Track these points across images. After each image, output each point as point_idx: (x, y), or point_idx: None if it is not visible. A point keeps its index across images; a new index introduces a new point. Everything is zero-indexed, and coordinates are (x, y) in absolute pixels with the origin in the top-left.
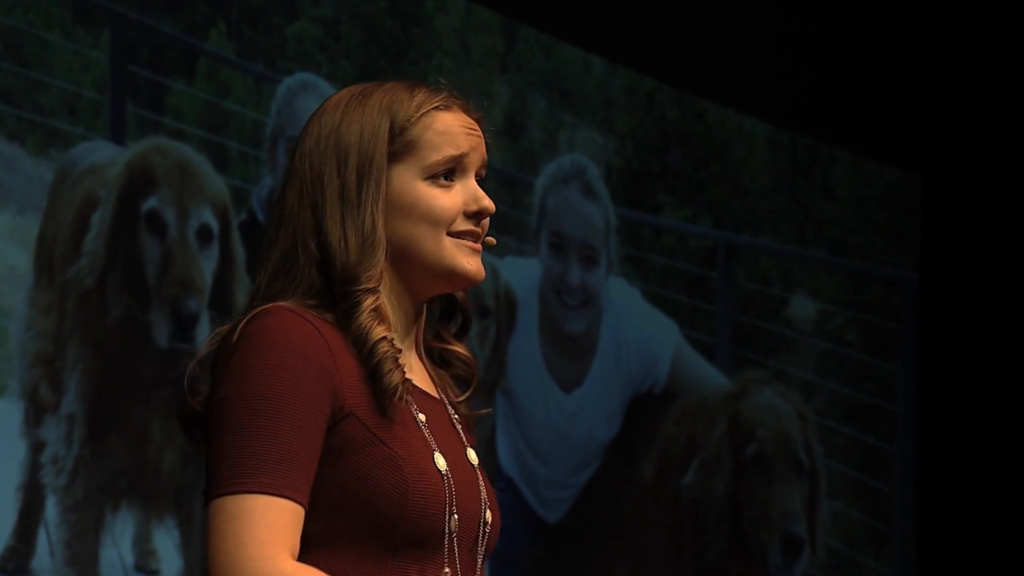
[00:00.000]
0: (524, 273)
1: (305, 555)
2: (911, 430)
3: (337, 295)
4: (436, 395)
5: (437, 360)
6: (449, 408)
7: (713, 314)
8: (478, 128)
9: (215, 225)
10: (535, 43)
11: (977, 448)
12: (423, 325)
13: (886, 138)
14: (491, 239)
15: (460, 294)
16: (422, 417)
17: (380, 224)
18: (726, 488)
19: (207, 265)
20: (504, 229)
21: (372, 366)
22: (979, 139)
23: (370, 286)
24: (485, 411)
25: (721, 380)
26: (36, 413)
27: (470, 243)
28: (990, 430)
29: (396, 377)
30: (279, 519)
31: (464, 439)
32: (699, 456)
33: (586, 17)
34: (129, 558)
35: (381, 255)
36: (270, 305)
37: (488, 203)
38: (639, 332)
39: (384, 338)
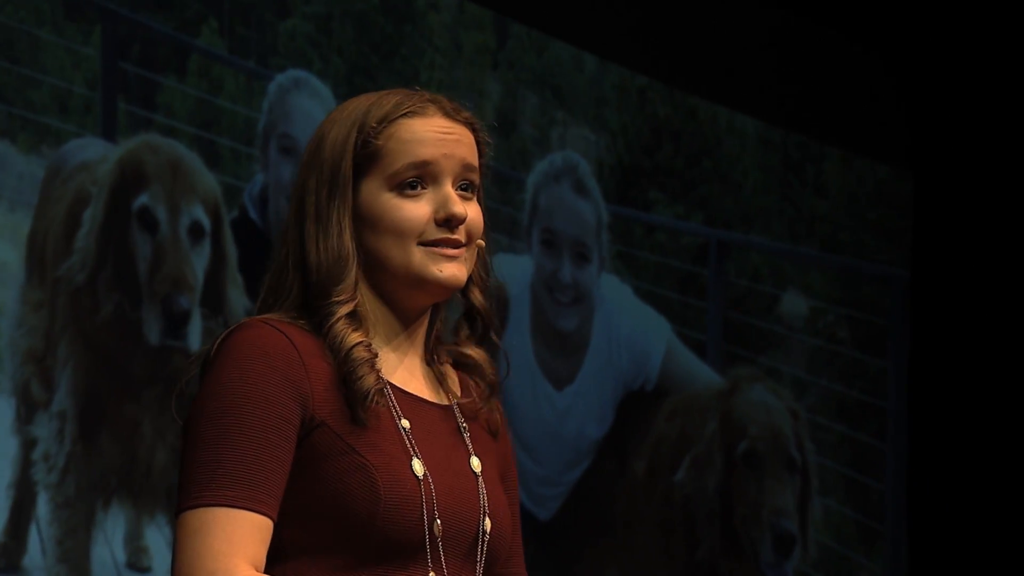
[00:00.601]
0: (516, 270)
1: (281, 564)
2: (902, 427)
3: (314, 310)
4: (441, 401)
5: (460, 366)
6: (459, 415)
7: (705, 311)
8: (457, 131)
9: (207, 222)
10: (527, 40)
11: (968, 445)
12: (437, 331)
13: (877, 135)
14: (481, 242)
15: (479, 299)
16: (406, 423)
17: (348, 238)
18: (718, 485)
19: (199, 262)
20: (496, 226)
21: (345, 371)
22: (970, 136)
23: (340, 299)
24: (491, 407)
25: (713, 377)
26: (27, 410)
27: (443, 250)
28: (981, 427)
29: (368, 382)
30: (239, 531)
31: (470, 447)
32: (691, 453)
33: (578, 14)
34: (121, 555)
35: (351, 269)
36: (246, 319)
37: (457, 209)
38: (631, 329)
39: (359, 343)
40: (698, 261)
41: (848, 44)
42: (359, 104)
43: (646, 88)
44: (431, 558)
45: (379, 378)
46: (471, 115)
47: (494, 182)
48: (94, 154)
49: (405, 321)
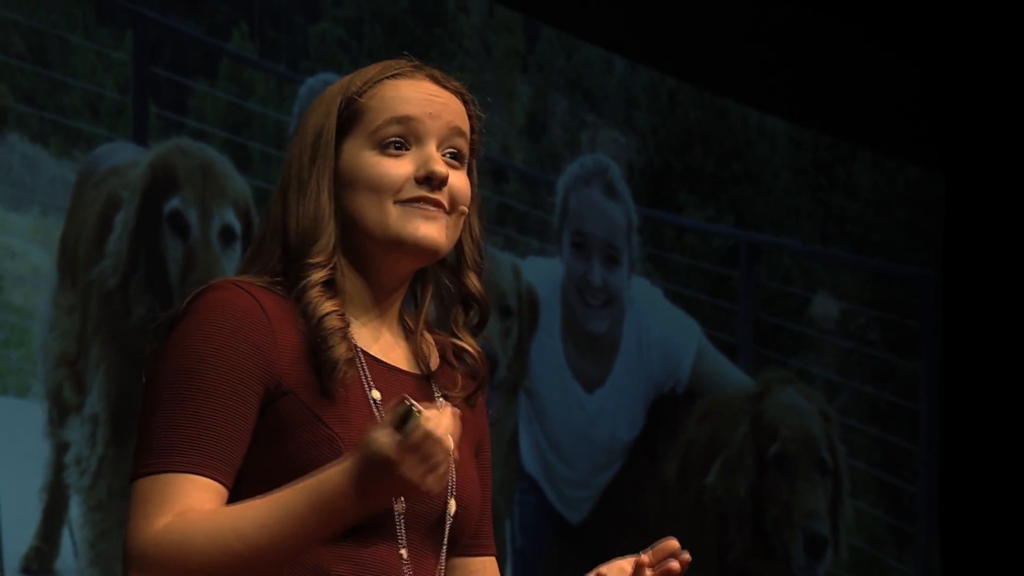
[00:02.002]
0: (546, 273)
1: None
2: (934, 429)
3: (290, 273)
4: (415, 371)
5: (451, 355)
6: (434, 387)
7: (735, 313)
8: (445, 96)
9: (237, 225)
10: (556, 43)
11: (1000, 446)
12: (427, 315)
13: (908, 136)
14: (464, 207)
15: (475, 285)
16: (376, 395)
17: (326, 199)
18: (749, 488)
19: (229, 265)
20: (526, 229)
21: (316, 340)
22: (1001, 137)
23: (317, 261)
24: (469, 396)
25: (743, 379)
26: (60, 414)
27: (421, 208)
28: (1013, 428)
29: (338, 352)
30: (193, 495)
31: None
32: (722, 456)
33: (607, 16)
34: None
35: (329, 230)
36: (218, 279)
37: (438, 168)
38: (661, 332)
39: (331, 312)
40: (729, 263)
41: (878, 45)
42: (346, 76)
43: (676, 90)
44: (393, 535)
45: (350, 347)
46: (461, 86)
47: (524, 185)
48: (125, 158)
49: (382, 289)
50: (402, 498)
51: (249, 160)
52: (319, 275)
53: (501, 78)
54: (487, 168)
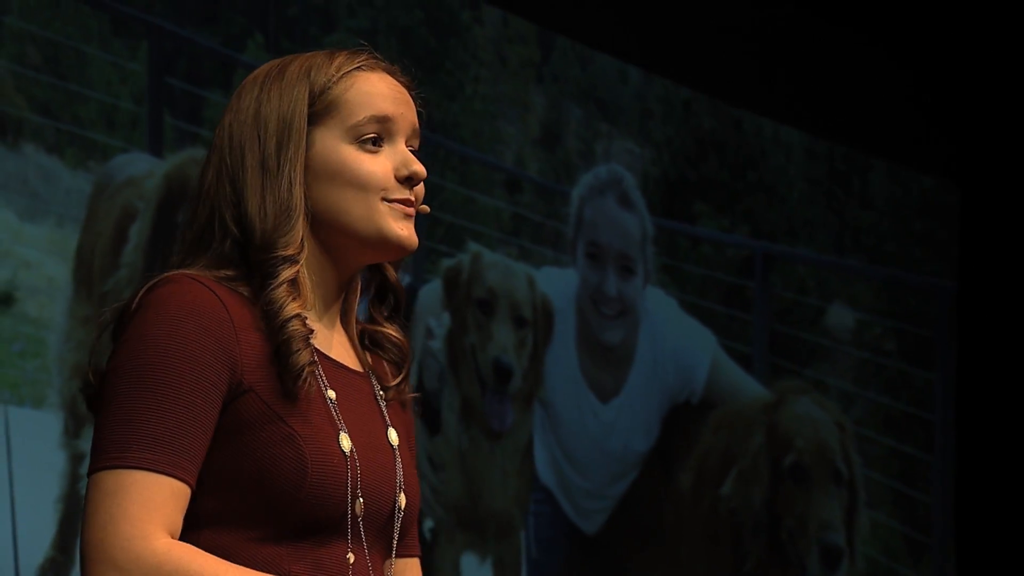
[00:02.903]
0: (561, 283)
1: (196, 534)
2: (949, 439)
3: (255, 264)
4: (360, 369)
5: (369, 343)
6: (375, 383)
7: (750, 324)
8: (406, 93)
9: None
10: (571, 53)
11: (1016, 456)
12: (355, 297)
13: (923, 146)
14: (425, 207)
15: (392, 273)
16: (332, 394)
17: (298, 190)
18: (764, 498)
19: None
20: (540, 239)
21: (280, 344)
22: (1017, 147)
23: (287, 253)
24: (414, 394)
25: (759, 390)
26: (75, 424)
27: (402, 208)
28: None
29: (303, 358)
30: (157, 496)
31: (387, 417)
32: (737, 466)
33: (622, 27)
34: None
35: (300, 222)
36: (172, 272)
37: (419, 168)
38: (676, 342)
39: (296, 316)
40: (744, 273)
41: (893, 56)
42: (293, 61)
43: (691, 100)
44: (350, 536)
45: (312, 353)
46: (409, 80)
47: (539, 195)
48: (141, 169)
49: (336, 284)
50: (361, 499)
51: None
52: (288, 272)
53: (516, 89)
54: (502, 178)
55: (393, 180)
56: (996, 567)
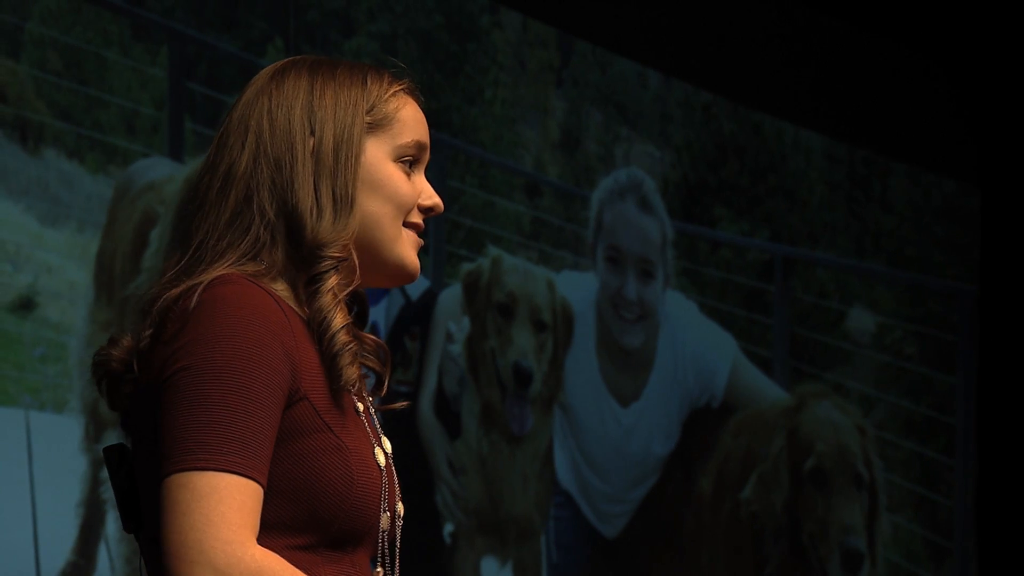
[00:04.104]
0: (581, 287)
1: None
2: (970, 443)
3: (303, 261)
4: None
5: None
6: (368, 397)
7: (771, 327)
8: None
9: None
10: (591, 57)
11: None
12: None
13: (944, 150)
14: (422, 240)
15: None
16: (361, 407)
17: (356, 192)
18: (785, 502)
19: None
20: (560, 243)
21: (331, 355)
22: None
23: (338, 254)
24: (400, 404)
25: (779, 394)
26: (96, 429)
27: (416, 237)
28: None
29: (353, 372)
30: (249, 500)
31: (378, 427)
32: (757, 470)
33: (642, 31)
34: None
35: (355, 224)
36: (226, 272)
37: (440, 202)
38: (696, 346)
39: (344, 328)
40: (764, 277)
41: (914, 59)
42: (338, 64)
43: (710, 104)
44: (379, 550)
45: (359, 368)
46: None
47: (559, 199)
48: (161, 174)
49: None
50: (387, 513)
51: None
52: (334, 277)
53: (535, 93)
54: (521, 182)
55: (416, 207)
56: (1018, 571)
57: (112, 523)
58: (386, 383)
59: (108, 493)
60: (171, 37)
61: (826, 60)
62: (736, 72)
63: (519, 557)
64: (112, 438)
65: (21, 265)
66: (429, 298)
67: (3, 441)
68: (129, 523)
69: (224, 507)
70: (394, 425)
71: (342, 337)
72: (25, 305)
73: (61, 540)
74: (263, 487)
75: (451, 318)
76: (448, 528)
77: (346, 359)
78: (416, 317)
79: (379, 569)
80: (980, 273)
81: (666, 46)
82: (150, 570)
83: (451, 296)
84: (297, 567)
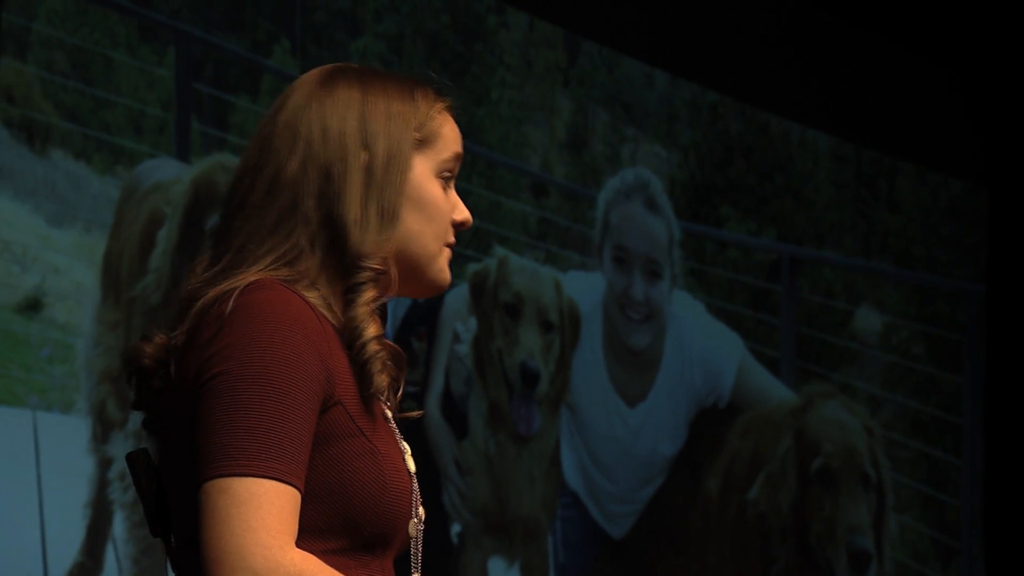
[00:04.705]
0: (587, 287)
1: None
2: (978, 443)
3: (343, 271)
4: None
5: None
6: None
7: (778, 328)
8: None
9: None
10: (597, 57)
11: None
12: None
13: (951, 150)
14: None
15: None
16: (389, 414)
17: (401, 208)
18: (792, 502)
19: None
20: (567, 243)
21: (362, 363)
22: None
23: (379, 267)
24: (416, 413)
25: (786, 394)
26: (103, 430)
27: (449, 252)
28: None
29: (383, 379)
30: (287, 506)
31: (396, 432)
32: (764, 470)
33: (648, 31)
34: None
35: (397, 238)
36: (261, 278)
37: (470, 218)
38: (703, 346)
39: (376, 337)
40: (771, 277)
41: (921, 59)
42: (386, 76)
43: (717, 104)
44: (399, 552)
45: (388, 376)
46: None
47: (565, 199)
48: (168, 174)
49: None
50: (415, 519)
51: None
52: (372, 290)
53: (542, 93)
54: (528, 182)
55: (450, 223)
56: None
57: (119, 524)
58: (400, 389)
59: (115, 494)
60: (178, 38)
61: (833, 60)
62: (743, 72)
63: (526, 557)
64: (119, 439)
65: (28, 266)
66: (436, 299)
67: (11, 442)
68: (156, 528)
69: (263, 513)
70: (401, 425)
71: (373, 346)
72: (32, 306)
73: (68, 541)
74: (301, 492)
75: (458, 318)
76: (455, 528)
77: (376, 366)
78: (423, 318)
79: (415, 574)
80: (987, 273)
81: (673, 46)
82: (180, 573)
83: (458, 296)
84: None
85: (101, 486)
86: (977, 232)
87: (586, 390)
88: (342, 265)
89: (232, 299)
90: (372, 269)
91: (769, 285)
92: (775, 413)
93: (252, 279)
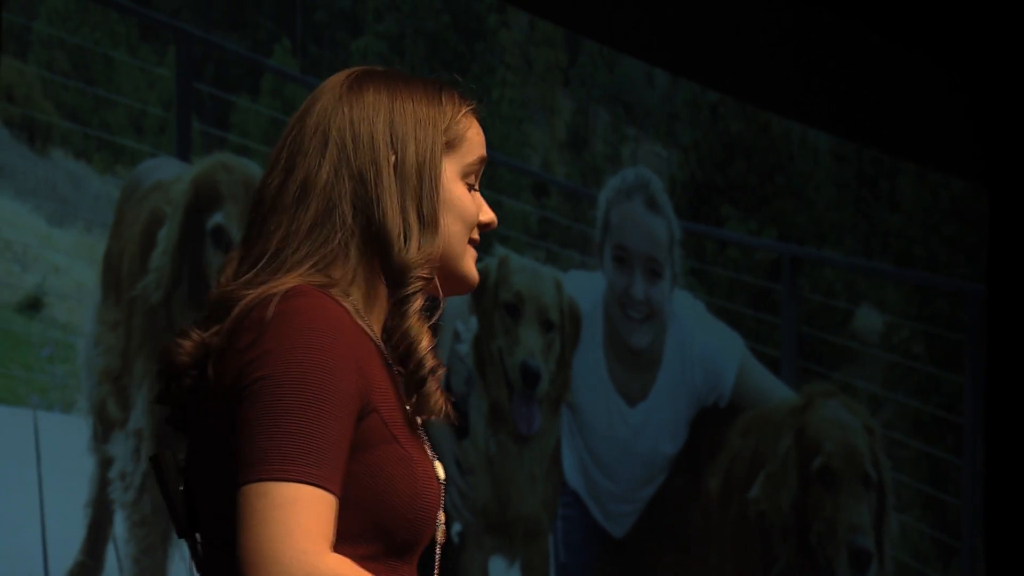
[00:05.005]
0: (588, 287)
1: None
2: (978, 442)
3: (391, 280)
4: None
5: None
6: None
7: (778, 327)
8: None
9: None
10: (598, 57)
11: None
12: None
13: (952, 149)
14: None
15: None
16: (418, 420)
17: (440, 213)
18: (792, 502)
19: None
20: (568, 243)
21: (420, 379)
22: None
23: (427, 276)
24: (444, 418)
25: (787, 393)
26: (104, 429)
27: (475, 251)
28: None
29: (441, 401)
30: (324, 511)
31: (423, 437)
32: (765, 470)
33: (649, 30)
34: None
35: (440, 244)
36: (300, 284)
37: (495, 219)
38: (704, 345)
39: (432, 350)
40: (771, 277)
41: (922, 58)
42: (412, 79)
43: (718, 104)
44: (435, 560)
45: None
46: None
47: (566, 198)
48: (169, 174)
49: None
50: (442, 526)
51: None
52: (420, 300)
53: (542, 92)
54: (529, 182)
55: (475, 223)
56: None
57: (120, 523)
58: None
59: (116, 493)
60: (178, 37)
61: (834, 60)
62: (743, 72)
63: (527, 557)
64: (119, 439)
65: (29, 265)
66: (436, 297)
67: (11, 441)
68: (183, 528)
69: (301, 517)
70: (428, 432)
71: (430, 361)
72: (33, 305)
73: (69, 540)
74: (338, 498)
75: (459, 318)
76: (456, 528)
77: (434, 384)
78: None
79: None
80: (988, 272)
81: (673, 46)
82: (208, 574)
83: (458, 296)
84: None
85: (102, 485)
86: (978, 232)
87: (587, 389)
88: (383, 273)
89: (272, 304)
90: (420, 279)
91: (770, 284)
92: (776, 412)
93: (291, 284)
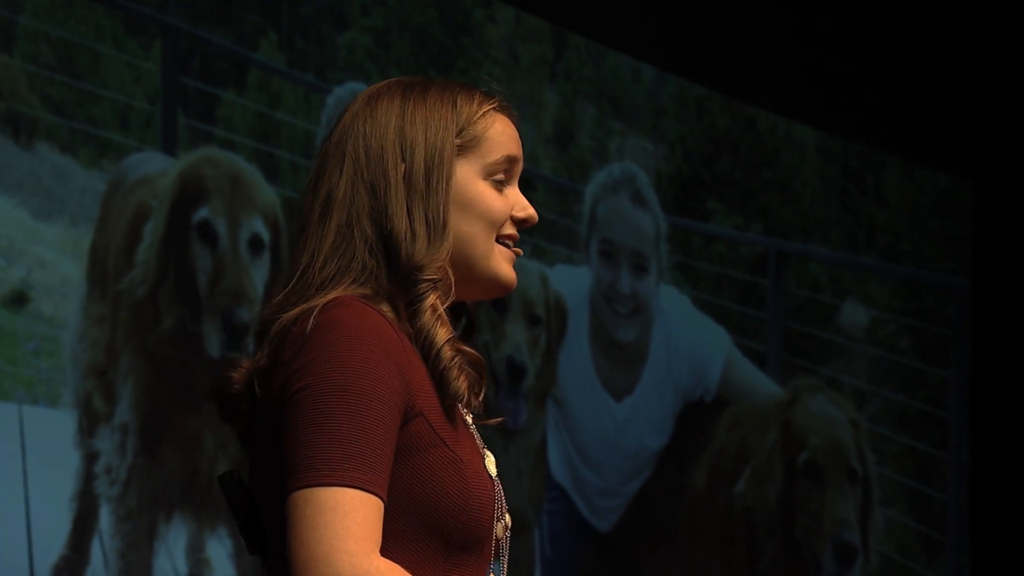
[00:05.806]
0: (574, 281)
1: None
2: (964, 437)
3: (401, 284)
4: None
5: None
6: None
7: (764, 322)
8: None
9: (266, 235)
10: (584, 51)
11: None
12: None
13: (937, 144)
14: (519, 250)
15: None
16: (469, 419)
17: (449, 215)
18: (778, 496)
19: (258, 275)
20: (554, 237)
21: (439, 371)
22: None
23: (434, 277)
24: (496, 420)
25: (773, 388)
26: (90, 423)
27: (511, 249)
28: None
29: (463, 385)
30: (371, 515)
31: (478, 439)
32: (751, 464)
33: (635, 25)
34: (183, 567)
35: (448, 246)
36: (340, 295)
37: (534, 213)
38: (690, 340)
39: (447, 342)
40: (757, 271)
41: (907, 53)
42: (430, 86)
43: (704, 98)
44: (492, 559)
45: (467, 380)
46: (519, 120)
47: (552, 193)
48: (155, 168)
49: (449, 313)
50: (502, 521)
51: (277, 170)
52: (433, 297)
53: (529, 87)
54: None
55: (509, 220)
56: (1011, 565)
57: (105, 518)
58: (481, 393)
59: (101, 488)
60: (164, 31)
61: (820, 54)
62: (730, 66)
63: (513, 551)
64: (104, 433)
65: (14, 259)
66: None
67: None
68: (254, 545)
69: (349, 521)
70: (482, 431)
71: (447, 352)
72: (18, 299)
73: (54, 534)
74: (384, 502)
75: None
76: None
77: (454, 373)
78: None
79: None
80: (973, 267)
81: (660, 40)
82: None
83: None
84: None
85: (87, 480)
86: (963, 226)
87: (573, 384)
88: (400, 278)
89: (313, 317)
90: (427, 280)
91: (756, 279)
92: (762, 407)
93: (332, 297)
